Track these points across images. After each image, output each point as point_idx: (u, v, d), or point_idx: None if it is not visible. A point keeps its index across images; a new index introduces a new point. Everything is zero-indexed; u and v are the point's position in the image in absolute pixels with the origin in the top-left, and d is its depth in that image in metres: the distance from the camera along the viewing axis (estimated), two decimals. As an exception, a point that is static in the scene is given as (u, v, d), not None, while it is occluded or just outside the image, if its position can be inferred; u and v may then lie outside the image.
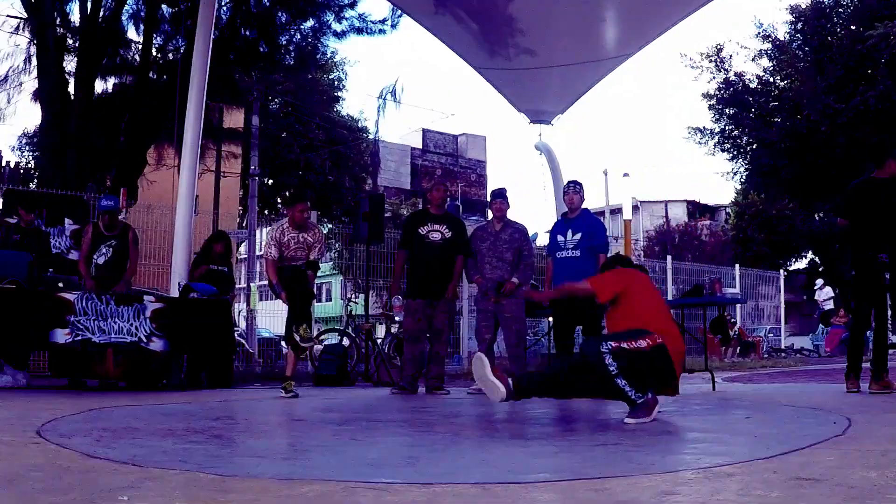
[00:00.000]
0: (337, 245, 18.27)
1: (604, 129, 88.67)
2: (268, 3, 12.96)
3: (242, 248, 20.61)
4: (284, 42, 13.39)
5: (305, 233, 6.11)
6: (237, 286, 17.33)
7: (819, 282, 19.92)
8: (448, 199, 6.97)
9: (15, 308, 5.84)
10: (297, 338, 5.91)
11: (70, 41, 12.19)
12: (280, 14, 13.04)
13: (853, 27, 24.85)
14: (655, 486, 2.00)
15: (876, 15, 23.40)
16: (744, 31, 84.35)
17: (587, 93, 11.62)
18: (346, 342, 8.96)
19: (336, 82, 25.38)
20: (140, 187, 12.20)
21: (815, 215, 27.60)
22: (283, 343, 6.23)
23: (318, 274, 6.41)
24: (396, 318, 7.54)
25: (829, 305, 19.00)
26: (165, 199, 10.45)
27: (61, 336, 5.91)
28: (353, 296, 12.86)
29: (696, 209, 40.50)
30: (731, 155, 28.66)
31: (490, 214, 6.74)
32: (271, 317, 13.35)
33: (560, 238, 6.19)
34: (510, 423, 4.14)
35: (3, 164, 18.44)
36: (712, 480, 2.07)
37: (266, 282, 6.40)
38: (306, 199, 6.59)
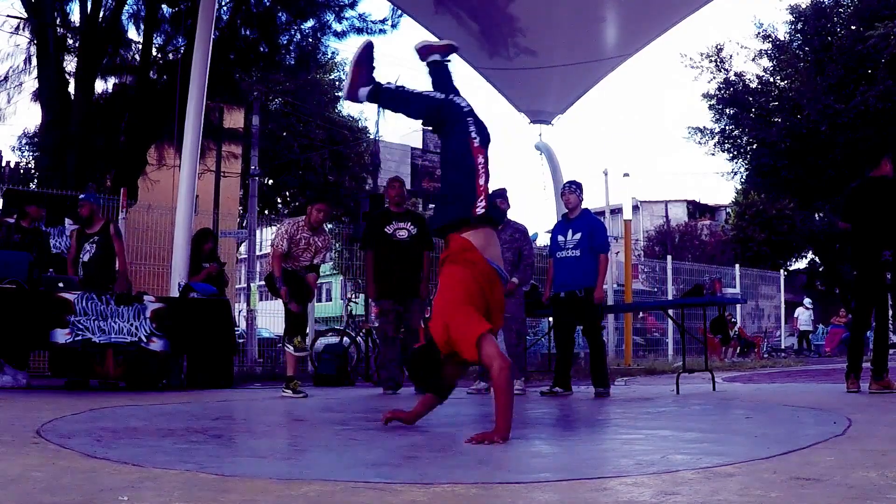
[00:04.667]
0: (337, 245, 18.24)
1: (604, 129, 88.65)
2: (268, 3, 12.95)
3: (242, 248, 20.62)
4: (285, 42, 13.38)
5: (317, 236, 6.14)
6: (237, 286, 17.28)
7: (807, 301, 19.99)
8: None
9: (15, 308, 5.84)
10: (291, 348, 5.94)
11: (70, 41, 12.19)
12: (280, 14, 13.04)
13: (853, 27, 24.83)
14: (655, 486, 2.00)
15: (876, 15, 23.38)
16: (744, 31, 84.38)
17: (587, 93, 11.62)
18: (346, 342, 8.96)
19: (336, 82, 25.36)
20: (140, 187, 12.20)
21: (815, 215, 27.58)
22: (285, 344, 6.33)
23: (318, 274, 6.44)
24: (376, 324, 7.58)
25: (807, 326, 19.17)
26: (165, 199, 10.44)
27: (61, 336, 5.91)
28: (353, 296, 12.85)
29: (696, 209, 40.46)
30: (731, 155, 28.64)
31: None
32: (271, 317, 13.33)
33: (560, 238, 6.19)
34: (510, 423, 4.13)
35: (3, 164, 18.44)
36: (712, 480, 2.07)
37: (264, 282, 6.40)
38: (327, 202, 6.62)
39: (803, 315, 19.22)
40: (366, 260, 6.67)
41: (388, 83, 3.58)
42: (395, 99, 3.55)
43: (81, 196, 6.99)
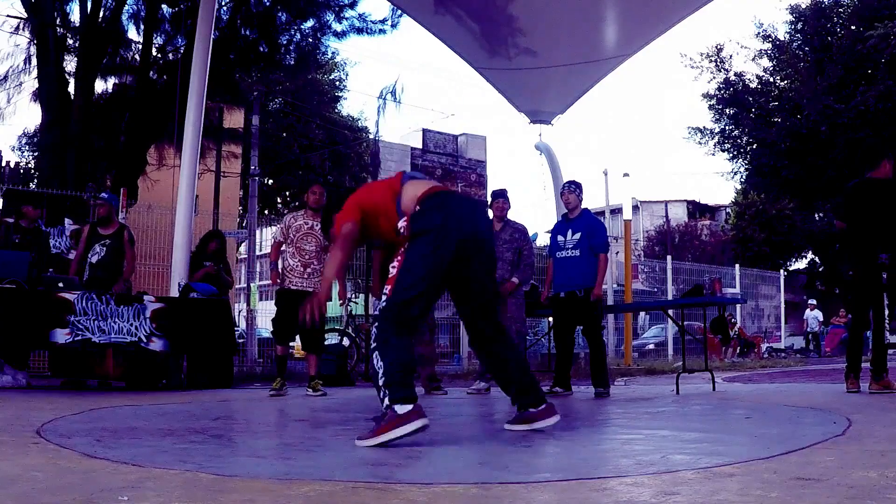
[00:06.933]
0: (337, 245, 18.23)
1: (604, 129, 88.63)
2: (268, 3, 12.96)
3: (242, 248, 20.61)
4: (284, 42, 13.40)
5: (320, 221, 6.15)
6: (237, 286, 17.28)
7: (811, 302, 20.07)
8: None
9: (15, 308, 5.84)
10: (310, 391, 5.99)
11: (70, 41, 12.20)
12: (280, 14, 13.05)
13: (853, 27, 24.85)
14: (655, 486, 2.00)
15: (876, 15, 23.41)
16: (744, 31, 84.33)
17: (587, 93, 11.63)
18: (346, 342, 8.95)
19: (336, 82, 25.39)
20: (140, 187, 12.20)
21: (815, 215, 27.60)
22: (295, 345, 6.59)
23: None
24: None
25: (816, 328, 19.26)
26: (165, 199, 10.45)
27: (61, 336, 5.91)
28: (353, 296, 12.84)
29: (696, 209, 40.46)
30: (731, 155, 28.67)
31: (490, 214, 6.74)
32: (271, 317, 13.30)
33: (560, 238, 6.19)
34: (510, 423, 4.12)
35: (3, 164, 18.44)
36: (712, 480, 2.07)
37: (267, 281, 6.46)
38: (321, 184, 6.70)
39: (810, 315, 19.29)
40: (374, 258, 6.69)
41: None
42: None
43: (102, 195, 7.03)
